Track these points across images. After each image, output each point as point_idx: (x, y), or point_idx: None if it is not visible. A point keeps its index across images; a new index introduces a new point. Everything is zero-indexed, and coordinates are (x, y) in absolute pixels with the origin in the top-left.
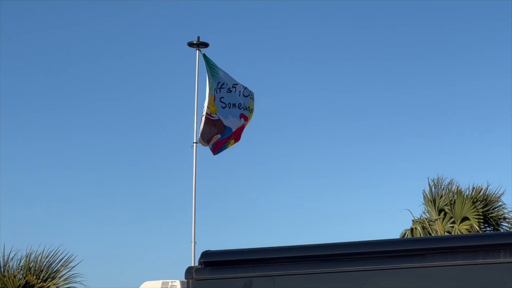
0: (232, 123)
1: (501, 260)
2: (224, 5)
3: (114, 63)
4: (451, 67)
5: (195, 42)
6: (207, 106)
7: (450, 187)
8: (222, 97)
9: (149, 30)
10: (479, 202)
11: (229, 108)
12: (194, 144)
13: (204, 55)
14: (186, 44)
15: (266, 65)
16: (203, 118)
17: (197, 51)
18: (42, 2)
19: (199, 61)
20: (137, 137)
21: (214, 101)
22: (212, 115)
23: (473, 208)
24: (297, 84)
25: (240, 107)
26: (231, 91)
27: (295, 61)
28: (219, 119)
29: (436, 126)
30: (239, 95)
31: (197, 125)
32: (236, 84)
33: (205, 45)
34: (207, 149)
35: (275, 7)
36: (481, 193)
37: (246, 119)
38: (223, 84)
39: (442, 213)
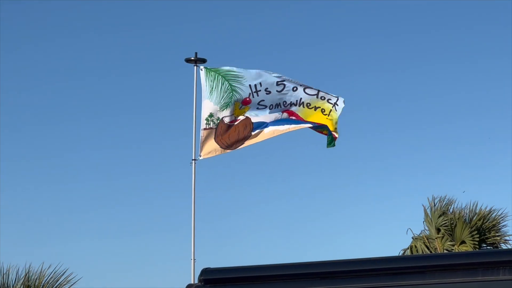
0: (266, 117)
1: (501, 277)
2: (222, 21)
3: (112, 79)
4: (461, 76)
5: (192, 58)
6: (232, 114)
7: (452, 207)
8: (263, 100)
9: (147, 47)
10: (476, 232)
11: (271, 108)
12: (193, 161)
13: (207, 68)
14: (184, 60)
15: None
16: (205, 131)
17: (195, 67)
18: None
19: (197, 77)
20: (135, 153)
21: (245, 105)
22: (237, 118)
23: (470, 236)
24: None
25: (285, 105)
26: (269, 92)
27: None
28: (247, 117)
29: (439, 139)
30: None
31: (196, 142)
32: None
33: (203, 61)
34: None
35: (273, 23)
36: (481, 219)
37: (296, 115)
38: (256, 85)
39: (441, 232)
